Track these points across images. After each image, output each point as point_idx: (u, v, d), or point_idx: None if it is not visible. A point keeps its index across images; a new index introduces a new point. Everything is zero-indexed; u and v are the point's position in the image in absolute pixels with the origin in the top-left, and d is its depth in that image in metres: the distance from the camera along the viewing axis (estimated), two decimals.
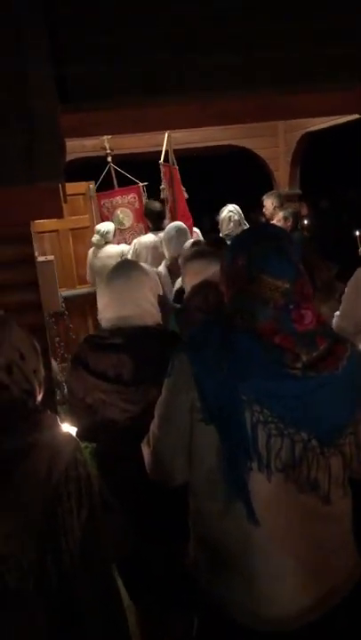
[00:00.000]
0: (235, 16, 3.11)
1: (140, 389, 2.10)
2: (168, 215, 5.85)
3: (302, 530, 1.41)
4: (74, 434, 1.53)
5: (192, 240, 4.60)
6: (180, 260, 3.78)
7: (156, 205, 5.47)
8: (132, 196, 6.70)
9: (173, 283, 4.05)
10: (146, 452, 1.59)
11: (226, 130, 6.33)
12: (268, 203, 6.04)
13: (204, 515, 1.49)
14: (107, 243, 5.84)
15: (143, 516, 1.96)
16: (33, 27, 2.73)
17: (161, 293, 2.42)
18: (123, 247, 5.86)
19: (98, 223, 6.27)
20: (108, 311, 2.24)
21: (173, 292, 3.82)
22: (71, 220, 6.34)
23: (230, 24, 3.10)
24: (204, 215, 8.60)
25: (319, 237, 7.56)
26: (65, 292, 5.91)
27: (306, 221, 6.87)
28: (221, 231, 5.52)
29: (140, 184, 6.70)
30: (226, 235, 5.29)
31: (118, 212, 6.67)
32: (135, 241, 5.57)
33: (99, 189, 6.72)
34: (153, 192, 6.50)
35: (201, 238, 5.30)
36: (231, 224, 5.41)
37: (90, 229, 6.20)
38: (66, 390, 2.76)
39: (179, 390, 1.44)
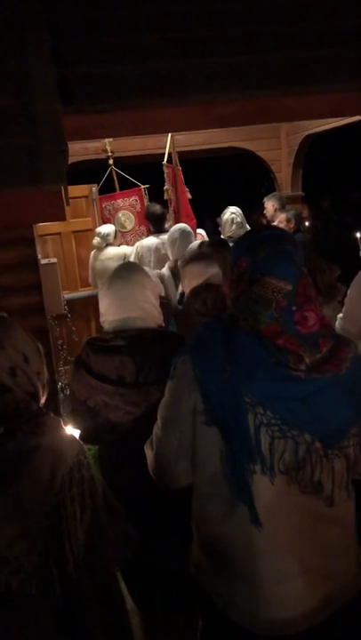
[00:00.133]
0: (236, 18, 3.12)
1: (142, 391, 2.10)
2: (172, 216, 5.86)
3: (306, 532, 1.41)
4: (77, 436, 1.53)
5: (199, 241, 4.60)
6: (178, 263, 3.78)
7: (157, 208, 5.47)
8: (133, 198, 6.71)
9: (177, 285, 4.05)
10: (149, 454, 1.59)
11: (228, 132, 6.34)
12: (269, 205, 6.04)
13: (207, 517, 1.48)
14: (107, 245, 5.84)
15: (146, 519, 1.96)
16: (35, 29, 2.74)
17: (163, 294, 2.43)
18: (124, 249, 5.86)
19: (100, 226, 6.27)
20: (110, 313, 2.24)
21: (178, 294, 3.83)
22: (74, 222, 6.35)
23: (231, 26, 3.11)
24: (206, 217, 8.59)
25: (321, 239, 7.55)
26: (68, 295, 5.92)
27: (307, 223, 6.86)
28: (224, 233, 5.52)
29: (142, 186, 6.71)
30: (228, 236, 5.29)
31: (120, 214, 6.68)
32: (137, 244, 5.58)
33: (101, 192, 6.73)
34: (154, 194, 6.51)
35: (207, 239, 5.31)
36: (234, 226, 5.41)
37: (92, 232, 6.20)
38: (68, 393, 2.77)
39: (181, 392, 1.44)
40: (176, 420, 1.47)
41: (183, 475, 1.51)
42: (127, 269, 2.35)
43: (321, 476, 1.38)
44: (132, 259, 5.34)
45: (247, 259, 1.43)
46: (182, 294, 3.53)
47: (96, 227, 6.22)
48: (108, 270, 4.68)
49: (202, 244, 4.33)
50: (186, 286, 3.29)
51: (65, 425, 1.39)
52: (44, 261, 3.97)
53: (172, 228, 4.83)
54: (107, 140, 6.26)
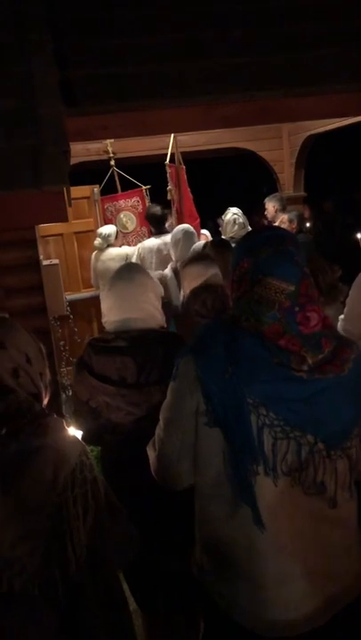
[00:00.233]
0: (236, 19, 3.12)
1: (143, 392, 2.10)
2: (175, 216, 5.86)
3: (308, 533, 1.40)
4: (80, 437, 1.53)
5: (203, 242, 4.60)
6: (178, 265, 3.79)
7: (157, 209, 5.48)
8: (135, 199, 6.71)
9: (180, 285, 4.05)
10: (151, 455, 1.59)
11: (230, 132, 6.34)
12: (270, 206, 6.04)
13: (209, 518, 1.48)
14: (109, 246, 5.84)
15: (148, 520, 1.96)
16: (37, 31, 2.75)
17: (163, 295, 2.43)
18: (125, 250, 5.86)
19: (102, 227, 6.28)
20: (111, 314, 2.25)
21: (181, 295, 3.83)
22: (76, 223, 6.35)
23: (232, 27, 3.12)
24: (207, 218, 8.59)
25: (322, 240, 7.55)
26: (70, 296, 5.92)
27: (308, 224, 6.87)
28: (225, 233, 5.52)
29: (143, 187, 6.71)
30: (230, 237, 5.30)
31: (122, 215, 6.68)
32: (139, 245, 5.59)
33: (102, 193, 6.74)
34: (156, 195, 6.51)
35: (211, 239, 5.31)
36: (236, 226, 5.41)
37: (94, 233, 6.21)
38: (70, 393, 2.77)
39: (184, 393, 1.44)
40: (178, 421, 1.46)
41: (185, 476, 1.51)
42: (129, 270, 2.35)
43: (324, 477, 1.38)
44: (133, 260, 5.35)
45: (249, 259, 1.43)
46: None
47: (98, 228, 6.23)
48: (109, 271, 4.68)
49: (206, 244, 4.34)
50: (186, 287, 3.29)
51: (67, 426, 1.39)
52: (46, 262, 3.97)
53: (176, 229, 4.84)
54: (108, 141, 6.27)
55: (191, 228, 4.80)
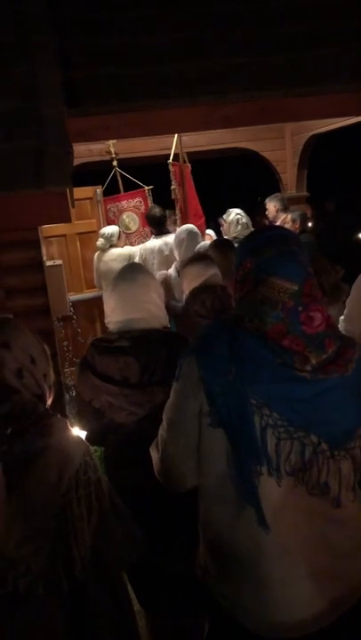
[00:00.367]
0: (237, 20, 3.12)
1: (146, 392, 2.10)
2: (178, 215, 5.86)
3: (313, 534, 1.40)
4: (83, 438, 1.53)
5: (207, 242, 4.61)
6: (177, 265, 3.80)
7: (156, 211, 5.49)
8: (137, 199, 6.72)
9: None
10: (155, 456, 1.58)
11: (233, 133, 6.34)
12: (271, 206, 6.03)
13: (213, 519, 1.48)
14: (111, 246, 5.85)
15: (152, 521, 1.96)
16: (40, 32, 2.75)
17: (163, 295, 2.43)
18: (128, 250, 5.87)
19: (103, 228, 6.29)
20: (114, 314, 2.25)
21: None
22: (79, 224, 6.36)
23: (233, 28, 3.12)
24: (210, 218, 8.60)
25: (324, 240, 7.54)
26: (73, 297, 5.93)
27: (310, 224, 6.86)
28: (229, 234, 5.52)
29: (146, 188, 6.71)
30: (233, 237, 5.29)
31: (124, 216, 6.69)
32: (140, 247, 5.60)
33: (105, 194, 6.75)
34: (159, 196, 6.52)
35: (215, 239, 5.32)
36: (239, 227, 5.41)
37: (97, 234, 6.22)
38: (74, 394, 2.77)
39: (187, 394, 1.44)
40: (182, 421, 1.46)
41: (189, 477, 1.50)
42: (132, 271, 2.35)
43: (328, 478, 1.38)
44: (136, 261, 5.36)
45: (252, 259, 1.43)
46: None
47: (100, 228, 6.24)
48: (112, 271, 4.69)
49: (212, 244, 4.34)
50: (185, 287, 3.29)
51: (71, 426, 1.39)
52: (49, 263, 3.98)
53: (179, 229, 4.84)
54: (111, 142, 6.27)
55: (195, 228, 4.81)
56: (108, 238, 5.83)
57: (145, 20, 3.04)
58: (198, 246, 4.59)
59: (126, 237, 6.43)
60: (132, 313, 2.20)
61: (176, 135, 5.71)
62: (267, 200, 6.14)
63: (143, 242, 5.94)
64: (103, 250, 5.85)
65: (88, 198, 6.58)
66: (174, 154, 5.86)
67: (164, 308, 2.34)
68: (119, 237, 5.93)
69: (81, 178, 5.57)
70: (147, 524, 1.60)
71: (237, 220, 5.45)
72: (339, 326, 2.66)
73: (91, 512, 1.30)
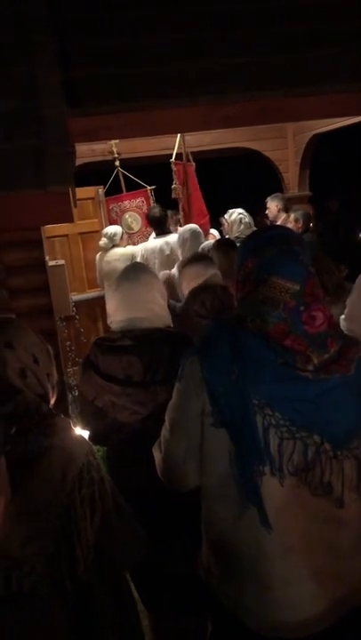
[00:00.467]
0: (237, 20, 3.12)
1: (149, 391, 2.10)
2: (181, 214, 5.86)
3: (316, 534, 1.40)
4: (87, 437, 1.54)
5: (212, 241, 4.60)
6: (177, 265, 3.80)
7: (156, 211, 5.50)
8: (140, 199, 6.72)
9: None
10: (157, 456, 1.58)
11: (235, 132, 6.34)
12: (273, 205, 6.03)
13: (216, 519, 1.48)
14: (114, 246, 5.85)
15: (155, 521, 1.96)
16: (40, 31, 2.75)
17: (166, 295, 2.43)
18: (131, 249, 5.87)
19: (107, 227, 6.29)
20: (118, 314, 2.25)
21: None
22: (81, 224, 6.37)
23: (233, 28, 3.12)
24: (212, 218, 8.59)
25: (326, 239, 7.52)
26: (75, 297, 5.93)
27: (311, 223, 6.86)
28: (231, 233, 5.52)
29: (148, 188, 6.72)
30: (236, 237, 5.30)
31: (127, 215, 6.69)
32: (141, 246, 5.60)
33: (107, 194, 6.75)
34: (161, 195, 6.52)
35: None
36: (242, 226, 5.42)
37: (99, 234, 6.23)
38: (77, 394, 2.78)
39: (189, 394, 1.44)
40: (184, 422, 1.46)
41: (192, 477, 1.50)
42: (134, 270, 2.35)
43: (330, 478, 1.37)
44: (138, 260, 5.36)
45: (254, 259, 1.43)
46: None
47: (102, 228, 6.24)
48: (116, 271, 4.69)
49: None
50: (185, 287, 3.29)
51: (74, 426, 1.40)
52: (51, 263, 3.99)
53: (183, 229, 4.85)
54: (113, 142, 6.28)
55: (198, 228, 4.81)
56: (111, 238, 5.83)
57: (145, 19, 3.04)
58: (202, 246, 4.60)
59: (129, 237, 6.44)
60: (135, 312, 2.20)
61: (179, 134, 5.71)
62: (268, 199, 6.13)
63: (145, 242, 5.94)
64: (106, 249, 5.85)
65: (90, 198, 6.59)
66: (177, 153, 5.86)
67: (167, 308, 2.34)
68: (122, 237, 5.94)
69: (84, 178, 5.58)
70: (149, 524, 1.61)
71: (240, 220, 5.45)
72: (340, 326, 2.66)
73: (94, 511, 1.30)
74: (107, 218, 6.61)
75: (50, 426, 1.32)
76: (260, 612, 1.42)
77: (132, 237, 6.58)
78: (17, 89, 2.74)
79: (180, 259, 4.51)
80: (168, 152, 6.01)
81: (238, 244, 4.18)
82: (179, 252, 4.61)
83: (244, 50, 3.12)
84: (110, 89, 3.00)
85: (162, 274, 4.27)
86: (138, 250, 5.65)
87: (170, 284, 3.79)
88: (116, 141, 6.25)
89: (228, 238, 5.16)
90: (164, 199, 6.26)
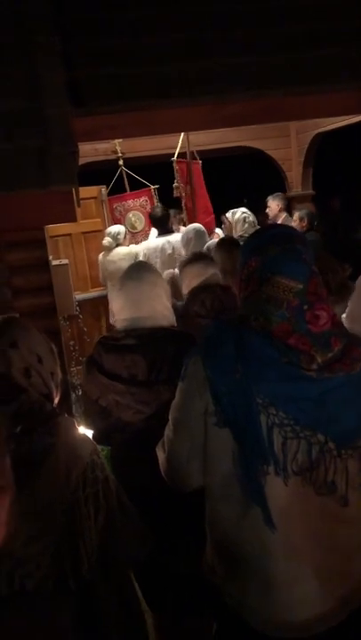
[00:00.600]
0: (239, 19, 3.13)
1: (153, 390, 2.10)
2: (184, 212, 5.86)
3: (320, 533, 1.40)
4: (91, 437, 1.54)
5: (216, 240, 4.60)
6: (177, 265, 3.80)
7: (157, 211, 5.50)
8: (143, 199, 6.72)
9: None
10: (161, 456, 1.58)
11: (238, 131, 6.34)
12: (274, 204, 6.02)
13: (220, 519, 1.48)
14: (118, 245, 5.86)
15: (159, 520, 1.96)
16: (45, 31, 2.76)
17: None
18: (135, 249, 5.87)
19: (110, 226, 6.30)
20: (122, 313, 2.25)
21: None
22: (84, 223, 6.37)
23: (235, 27, 3.12)
24: (216, 217, 8.59)
25: (328, 238, 7.51)
26: (78, 296, 5.94)
27: (315, 222, 6.86)
28: (235, 232, 5.52)
29: (152, 187, 6.72)
30: (240, 236, 5.30)
31: (130, 215, 6.70)
32: (143, 246, 5.60)
33: (111, 193, 6.76)
34: (165, 195, 6.52)
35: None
36: (246, 225, 5.41)
37: (102, 233, 6.24)
38: (81, 393, 2.78)
39: (192, 394, 1.44)
40: (187, 421, 1.46)
41: (195, 476, 1.50)
42: (138, 269, 2.35)
43: (335, 477, 1.37)
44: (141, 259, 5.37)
45: (257, 258, 1.43)
46: None
47: (105, 227, 6.25)
48: (120, 270, 4.69)
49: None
50: (185, 287, 3.29)
51: (78, 425, 1.40)
52: (55, 262, 3.99)
53: (187, 228, 4.85)
54: (116, 141, 6.29)
55: (202, 227, 4.82)
56: (115, 237, 5.84)
57: (149, 19, 3.04)
58: (207, 245, 4.60)
59: (132, 236, 6.44)
60: (139, 311, 2.20)
61: (183, 133, 5.72)
62: (269, 198, 6.12)
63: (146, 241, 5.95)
64: (109, 249, 5.85)
65: (93, 197, 6.60)
66: (181, 152, 5.86)
67: (172, 307, 2.34)
68: (125, 236, 5.95)
69: (86, 177, 5.58)
70: (153, 523, 1.61)
71: (244, 219, 5.45)
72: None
73: (98, 510, 1.30)
74: (109, 217, 6.61)
75: (54, 425, 1.33)
76: (264, 611, 1.42)
77: (135, 236, 6.58)
78: (21, 89, 2.75)
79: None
80: (171, 151, 6.01)
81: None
82: (183, 252, 4.61)
83: (244, 49, 3.12)
84: (114, 89, 3.00)
85: (166, 273, 4.27)
86: (140, 249, 5.66)
87: (174, 284, 3.79)
88: (120, 140, 6.26)
89: (231, 237, 5.15)
90: (168, 198, 6.26)
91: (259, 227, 5.43)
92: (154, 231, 5.81)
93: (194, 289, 3.15)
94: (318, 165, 7.21)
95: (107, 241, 5.86)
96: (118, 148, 6.46)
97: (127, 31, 3.01)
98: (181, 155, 6.02)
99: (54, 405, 1.46)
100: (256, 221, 5.57)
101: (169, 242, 5.24)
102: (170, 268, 4.62)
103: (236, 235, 5.41)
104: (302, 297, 1.37)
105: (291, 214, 6.41)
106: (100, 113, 3.06)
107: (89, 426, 2.20)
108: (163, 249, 5.25)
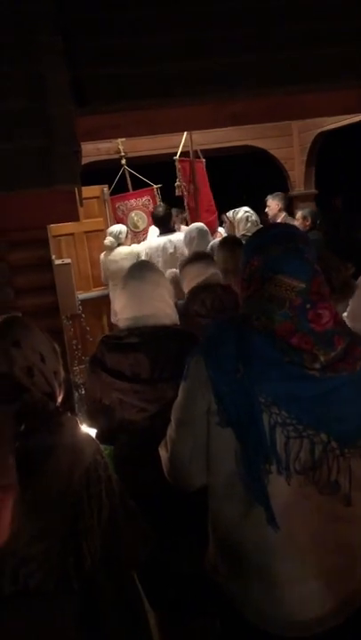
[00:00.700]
0: (245, 18, 3.13)
1: (157, 388, 2.10)
2: (187, 211, 5.85)
3: (323, 533, 1.39)
4: (93, 436, 1.54)
5: (219, 239, 4.60)
6: (178, 265, 3.80)
7: (159, 210, 5.50)
8: (146, 198, 6.73)
9: None
10: (163, 456, 1.58)
11: (240, 130, 6.33)
12: (274, 204, 6.01)
13: (223, 518, 1.48)
14: (119, 244, 5.86)
15: (161, 519, 1.97)
16: (48, 30, 2.76)
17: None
18: (137, 248, 5.87)
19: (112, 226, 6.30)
20: (125, 312, 2.25)
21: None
22: (86, 223, 6.38)
23: (241, 26, 3.12)
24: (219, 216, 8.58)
25: (331, 237, 7.50)
26: (81, 295, 5.94)
27: (317, 221, 6.85)
28: (238, 231, 5.52)
29: (154, 186, 6.72)
30: (242, 235, 5.29)
31: (133, 214, 6.70)
32: (145, 245, 5.60)
33: (113, 192, 6.76)
34: (168, 194, 6.52)
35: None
36: (249, 224, 5.41)
37: (104, 232, 6.24)
38: (83, 392, 2.78)
39: (195, 394, 1.44)
40: (190, 421, 1.46)
41: (198, 476, 1.50)
42: (141, 268, 2.36)
43: (338, 476, 1.37)
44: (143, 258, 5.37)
45: (259, 257, 1.42)
46: None
47: (108, 227, 6.26)
48: (123, 270, 4.69)
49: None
50: (185, 287, 3.29)
51: (81, 424, 1.40)
52: (57, 262, 3.99)
53: (189, 228, 4.85)
54: (119, 141, 6.29)
55: (205, 227, 4.81)
56: (117, 236, 5.84)
57: (154, 18, 3.05)
58: (210, 244, 4.60)
59: (135, 236, 6.44)
60: (141, 310, 2.20)
61: (185, 132, 5.71)
62: (269, 197, 6.11)
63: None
64: (111, 248, 5.86)
65: (95, 197, 6.60)
66: (184, 151, 5.85)
67: (175, 306, 2.34)
68: (127, 236, 5.95)
69: (88, 176, 5.59)
70: (156, 523, 1.61)
71: (247, 218, 5.45)
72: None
73: (101, 510, 1.31)
74: (112, 216, 6.62)
75: (57, 424, 1.33)
76: (267, 610, 1.42)
77: (137, 236, 6.59)
78: (25, 88, 2.75)
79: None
80: (174, 150, 6.01)
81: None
82: (186, 251, 4.61)
83: (245, 49, 3.13)
84: (116, 88, 3.01)
85: (169, 272, 4.27)
86: (142, 249, 5.66)
87: (176, 283, 3.80)
88: (123, 140, 6.26)
89: (234, 236, 5.15)
90: (171, 197, 6.26)
91: (261, 226, 5.42)
92: (153, 229, 5.82)
93: (194, 288, 3.16)
94: (321, 164, 7.20)
95: (108, 240, 5.86)
96: (121, 148, 6.47)
97: (133, 30, 3.01)
98: (184, 154, 6.02)
99: (57, 404, 1.46)
100: (259, 220, 5.57)
101: (171, 241, 5.23)
102: (172, 267, 4.62)
103: (238, 234, 5.40)
104: (305, 296, 1.37)
105: (292, 214, 6.40)
106: (103, 112, 3.07)
107: (92, 425, 2.20)
108: (165, 248, 5.25)
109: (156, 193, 6.72)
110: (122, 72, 3.01)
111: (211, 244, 4.62)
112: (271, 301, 1.38)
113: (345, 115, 5.29)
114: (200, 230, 4.63)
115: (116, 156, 6.56)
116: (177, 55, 3.07)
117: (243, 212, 5.52)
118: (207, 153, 6.73)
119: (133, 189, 6.82)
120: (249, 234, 5.13)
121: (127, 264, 4.97)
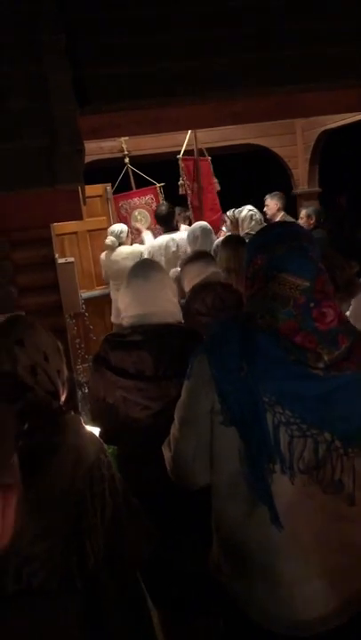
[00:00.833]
0: (245, 18, 3.13)
1: (161, 386, 2.10)
2: (190, 210, 5.84)
3: (327, 532, 1.39)
4: (97, 435, 1.54)
5: (222, 238, 4.59)
6: (179, 263, 3.81)
7: (162, 209, 5.50)
8: (149, 197, 6.72)
9: None
10: (167, 455, 1.58)
11: (244, 129, 6.32)
12: (272, 203, 6.01)
13: (226, 517, 1.48)
14: (120, 244, 5.86)
15: (164, 518, 1.96)
16: (49, 30, 2.76)
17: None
18: (139, 248, 5.87)
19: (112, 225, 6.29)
20: (128, 310, 2.25)
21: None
22: (89, 221, 6.38)
23: (243, 25, 3.12)
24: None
25: (335, 236, 7.48)
26: (84, 294, 5.94)
27: (321, 220, 6.85)
28: (241, 230, 5.51)
29: (157, 185, 6.71)
30: (246, 233, 5.29)
31: (136, 213, 6.69)
32: (147, 244, 5.60)
33: (116, 191, 6.76)
34: (171, 193, 6.51)
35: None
36: (253, 222, 5.41)
37: (107, 231, 6.24)
38: (87, 391, 2.78)
39: (198, 393, 1.43)
40: (193, 420, 1.46)
41: (201, 475, 1.50)
42: (144, 267, 2.35)
43: (341, 475, 1.37)
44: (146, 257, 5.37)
45: (263, 256, 1.42)
46: None
47: (110, 226, 6.25)
48: (125, 270, 4.70)
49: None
50: (186, 286, 3.29)
51: (84, 423, 1.40)
52: (61, 260, 3.99)
53: (193, 226, 4.84)
54: (122, 139, 6.28)
55: (208, 225, 4.81)
56: (118, 236, 5.83)
57: (156, 17, 3.05)
58: (215, 243, 4.60)
59: (138, 235, 6.44)
60: (145, 308, 2.20)
61: (189, 131, 5.71)
62: (268, 197, 6.11)
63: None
64: (112, 247, 5.85)
65: (98, 196, 6.60)
66: (187, 149, 5.85)
67: (178, 305, 2.34)
68: (128, 235, 5.94)
69: (91, 175, 5.59)
70: (159, 521, 1.61)
71: (251, 216, 5.44)
72: None
73: (104, 509, 1.31)
74: (115, 215, 6.61)
75: (60, 423, 1.33)
76: (270, 609, 1.42)
77: (140, 235, 6.58)
78: (26, 88, 2.76)
79: None
80: (177, 149, 6.00)
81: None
82: (189, 250, 4.61)
83: (254, 47, 3.13)
84: (120, 87, 3.01)
85: (172, 271, 4.27)
86: (143, 248, 5.65)
87: (180, 282, 3.80)
88: (126, 138, 6.26)
89: (237, 235, 5.14)
90: (174, 196, 6.26)
91: (265, 224, 5.42)
92: (147, 234, 5.84)
93: (194, 287, 3.16)
94: (324, 163, 7.18)
95: (109, 240, 5.85)
96: (124, 146, 6.46)
97: (136, 29, 3.02)
98: (188, 152, 6.01)
99: (61, 403, 1.46)
100: (263, 219, 5.56)
101: (173, 240, 5.23)
102: (174, 266, 4.62)
103: (242, 232, 5.40)
104: (309, 294, 1.37)
105: (296, 212, 6.39)
106: (106, 111, 3.07)
107: (96, 424, 2.20)
108: (167, 247, 5.24)
109: (159, 191, 6.71)
110: (123, 71, 3.02)
111: (215, 242, 4.61)
112: (275, 300, 1.38)
113: (347, 113, 5.29)
114: (203, 229, 4.63)
115: (120, 155, 6.55)
116: (177, 55, 3.07)
117: (247, 210, 5.52)
118: (210, 151, 6.73)
119: (137, 188, 6.81)
120: (253, 232, 5.12)
121: (129, 264, 4.96)
